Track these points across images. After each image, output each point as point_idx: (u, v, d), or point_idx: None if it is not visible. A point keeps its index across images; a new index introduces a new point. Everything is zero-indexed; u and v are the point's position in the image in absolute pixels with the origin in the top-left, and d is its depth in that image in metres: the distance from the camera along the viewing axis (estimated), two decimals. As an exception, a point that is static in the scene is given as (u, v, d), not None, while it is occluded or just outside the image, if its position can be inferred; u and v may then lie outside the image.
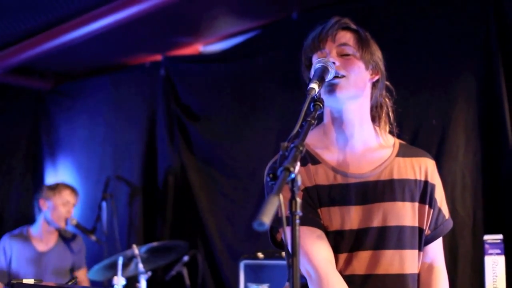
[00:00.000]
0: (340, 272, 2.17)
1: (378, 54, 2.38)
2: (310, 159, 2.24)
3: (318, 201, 2.19)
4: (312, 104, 1.98)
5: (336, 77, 2.17)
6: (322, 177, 2.22)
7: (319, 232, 2.16)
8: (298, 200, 1.64)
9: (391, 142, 2.38)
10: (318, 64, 2.11)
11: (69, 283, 2.56)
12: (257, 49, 5.40)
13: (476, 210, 4.09)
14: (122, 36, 5.70)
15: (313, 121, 1.90)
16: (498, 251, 3.38)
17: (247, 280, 4.37)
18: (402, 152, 2.34)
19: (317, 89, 1.99)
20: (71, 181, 6.16)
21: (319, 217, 2.19)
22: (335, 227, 2.18)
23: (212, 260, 5.53)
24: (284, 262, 4.22)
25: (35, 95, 7.22)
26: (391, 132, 2.44)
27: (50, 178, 6.94)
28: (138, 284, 4.74)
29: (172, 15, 5.25)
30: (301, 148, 1.71)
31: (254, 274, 4.34)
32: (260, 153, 5.22)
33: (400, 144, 2.39)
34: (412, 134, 4.29)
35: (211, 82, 5.78)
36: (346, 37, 2.29)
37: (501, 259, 3.37)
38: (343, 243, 2.18)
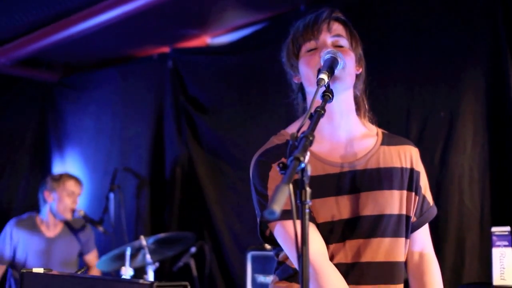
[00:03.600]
0: (331, 261, 2.17)
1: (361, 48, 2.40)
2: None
3: None
4: (321, 95, 1.98)
5: None
6: (310, 167, 2.21)
7: (311, 225, 2.14)
8: (308, 190, 1.65)
9: (374, 131, 2.39)
10: (327, 55, 2.11)
11: (79, 272, 2.57)
12: (265, 41, 5.39)
13: (483, 202, 4.09)
14: (130, 28, 5.70)
15: (322, 112, 1.90)
16: (506, 243, 3.38)
17: (254, 271, 4.38)
18: (386, 141, 2.35)
19: (326, 79, 1.99)
20: (78, 173, 6.17)
21: (310, 210, 2.18)
22: (325, 219, 2.17)
23: (220, 251, 5.54)
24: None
25: (42, 87, 7.24)
26: (372, 122, 2.46)
27: (58, 170, 6.94)
28: (145, 275, 4.76)
29: (180, 7, 5.25)
30: (310, 138, 1.72)
31: (261, 265, 4.35)
32: (268, 145, 5.21)
33: (383, 133, 2.40)
34: (420, 127, 4.29)
35: (219, 74, 5.79)
36: (340, 28, 2.30)
37: (509, 251, 3.37)
38: (333, 234, 2.18)
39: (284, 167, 1.64)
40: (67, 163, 7.00)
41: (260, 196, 2.23)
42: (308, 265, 1.63)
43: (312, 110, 1.91)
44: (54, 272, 2.53)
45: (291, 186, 1.52)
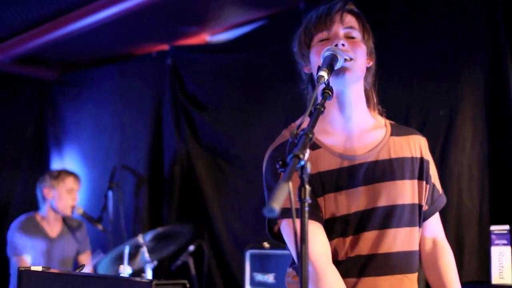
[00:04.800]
0: (346, 254, 2.19)
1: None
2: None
3: (322, 189, 2.20)
4: (321, 92, 1.98)
5: (345, 59, 2.17)
6: (324, 162, 2.22)
7: (317, 225, 2.16)
8: (308, 187, 1.64)
9: (382, 123, 2.41)
10: (327, 52, 2.10)
11: (77, 271, 2.56)
12: (264, 39, 5.39)
13: (482, 200, 4.09)
14: (129, 26, 5.69)
15: (322, 109, 1.89)
16: (505, 241, 3.38)
17: (253, 269, 4.37)
18: (395, 131, 2.37)
19: (326, 76, 1.98)
20: (77, 171, 6.15)
21: (319, 209, 2.19)
22: (342, 212, 2.19)
23: (218, 249, 5.54)
24: (289, 252, 4.22)
25: (41, 84, 7.22)
26: (381, 114, 2.47)
27: (57, 167, 6.93)
28: (144, 274, 4.75)
29: (179, 5, 5.24)
30: (310, 135, 1.72)
31: (260, 263, 4.34)
32: (267, 143, 5.17)
33: (391, 124, 2.42)
34: (419, 125, 4.28)
35: (218, 72, 5.78)
36: (352, 20, 2.31)
37: (507, 250, 3.37)
38: (349, 226, 2.19)
39: (283, 165, 1.63)
40: (66, 161, 6.99)
41: (269, 192, 2.27)
42: (307, 264, 1.63)
43: (313, 107, 1.90)
44: (53, 270, 2.52)
45: (290, 183, 1.51)
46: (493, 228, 3.42)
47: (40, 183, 5.33)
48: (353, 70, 2.21)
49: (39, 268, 2.45)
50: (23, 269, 2.44)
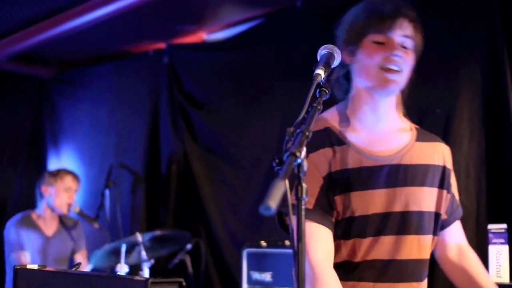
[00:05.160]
0: (362, 257, 2.18)
1: None
2: (335, 140, 2.22)
3: (343, 186, 2.18)
4: (318, 90, 1.97)
5: (394, 70, 2.18)
6: (348, 159, 2.20)
7: (325, 230, 2.15)
8: (304, 185, 1.64)
9: (408, 126, 2.39)
10: (324, 50, 2.09)
11: (73, 269, 2.55)
12: (261, 37, 5.39)
13: (480, 199, 4.08)
14: (126, 24, 5.68)
15: (319, 107, 1.88)
16: (502, 240, 3.37)
17: (249, 268, 4.37)
18: (420, 137, 2.35)
19: (323, 75, 1.97)
20: (74, 169, 6.15)
21: (331, 211, 2.17)
22: (361, 212, 2.17)
23: (215, 248, 5.53)
24: (287, 251, 4.22)
25: (38, 82, 7.21)
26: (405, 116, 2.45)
27: (53, 166, 6.92)
28: (141, 272, 4.75)
29: (176, 3, 5.24)
30: (307, 133, 1.71)
31: (257, 262, 4.34)
32: (264, 141, 5.21)
33: (417, 129, 2.40)
34: (416, 123, 4.27)
35: (215, 70, 5.77)
36: (410, 29, 2.26)
37: (505, 249, 3.36)
38: (367, 227, 2.18)
39: (280, 163, 1.63)
40: (63, 159, 6.98)
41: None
42: (303, 262, 1.63)
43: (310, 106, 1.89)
44: (48, 268, 2.52)
45: (287, 181, 1.51)
46: (490, 226, 3.42)
47: (39, 180, 5.34)
48: (399, 83, 2.22)
49: (35, 266, 2.44)
50: (18, 267, 2.43)
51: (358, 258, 2.19)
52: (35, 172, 7.03)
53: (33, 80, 7.17)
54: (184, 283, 1.98)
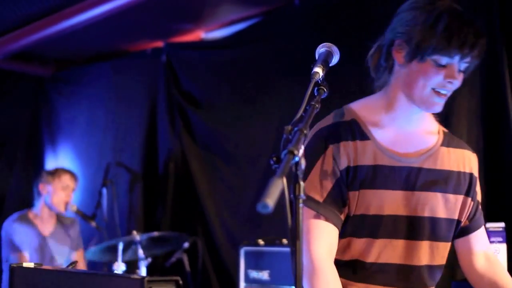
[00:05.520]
0: (375, 259, 2.16)
1: None
2: (359, 133, 2.18)
3: (358, 182, 2.14)
4: (316, 89, 1.96)
5: (443, 95, 2.12)
6: (368, 156, 2.16)
7: (329, 227, 2.12)
8: (302, 183, 1.63)
9: (436, 129, 2.32)
10: (322, 49, 2.07)
11: (69, 267, 2.55)
12: (259, 36, 5.38)
13: (478, 198, 4.08)
14: (124, 23, 5.67)
15: (317, 105, 1.87)
16: (500, 239, 3.38)
17: (247, 266, 4.36)
18: (446, 142, 2.30)
19: (321, 73, 1.96)
20: (71, 168, 6.14)
21: (340, 208, 2.14)
22: (374, 212, 2.14)
23: (213, 247, 5.53)
24: (284, 249, 4.22)
25: (35, 81, 7.20)
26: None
27: (51, 164, 6.92)
28: (138, 271, 4.74)
29: (174, 1, 5.24)
30: (305, 131, 1.70)
31: (254, 260, 4.33)
32: (262, 140, 5.21)
33: (444, 132, 2.34)
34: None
35: (213, 69, 5.77)
36: (475, 55, 2.10)
37: (503, 247, 3.37)
38: (380, 228, 2.15)
39: (277, 161, 1.62)
40: (60, 158, 6.98)
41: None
42: (301, 260, 1.62)
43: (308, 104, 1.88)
44: (45, 266, 2.51)
45: (284, 179, 1.50)
46: (488, 225, 3.41)
47: (37, 179, 5.35)
48: (442, 105, 2.17)
49: (31, 265, 2.44)
50: (15, 265, 2.43)
51: (369, 259, 2.16)
52: (32, 170, 7.03)
53: (30, 79, 7.16)
54: (180, 282, 1.97)
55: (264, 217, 5.05)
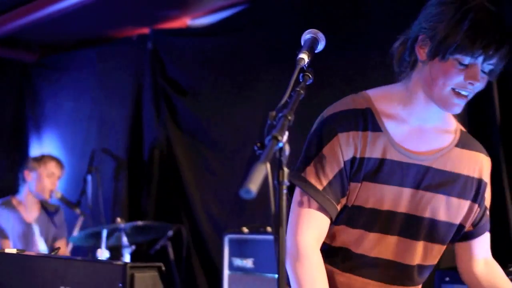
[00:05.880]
0: (366, 252, 2.13)
1: None
2: (371, 124, 2.11)
3: (361, 174, 2.10)
4: (301, 75, 1.94)
5: (464, 96, 2.02)
6: (377, 148, 2.10)
7: (324, 217, 2.08)
8: (286, 169, 1.62)
9: (453, 128, 2.23)
10: (308, 35, 2.05)
11: (52, 254, 2.54)
12: (245, 23, 5.37)
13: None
14: (109, 8, 5.65)
15: (302, 92, 1.85)
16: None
17: (231, 254, 4.37)
18: (462, 142, 2.20)
19: (306, 59, 1.94)
20: (56, 154, 6.12)
21: (337, 197, 2.09)
22: (373, 205, 2.11)
23: (197, 234, 5.53)
24: (268, 237, 4.22)
25: (20, 67, 7.17)
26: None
27: (35, 151, 6.90)
28: (122, 258, 4.74)
29: (160, -12, 5.22)
30: (289, 117, 1.67)
31: (238, 248, 4.34)
32: (247, 128, 5.20)
33: (461, 132, 2.24)
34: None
35: (199, 56, 5.76)
36: (500, 57, 2.00)
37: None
38: (376, 222, 2.12)
39: (261, 147, 1.61)
40: (45, 145, 6.95)
41: (305, 154, 2.13)
42: (284, 248, 1.61)
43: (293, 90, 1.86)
44: (28, 252, 2.50)
45: (268, 165, 1.49)
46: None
47: (22, 165, 5.32)
48: (462, 107, 2.07)
49: (13, 251, 2.43)
50: (-3, 252, 2.42)
51: (359, 250, 2.14)
52: (17, 157, 6.99)
53: (15, 65, 7.13)
54: (163, 268, 1.97)
55: (249, 205, 5.08)
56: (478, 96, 2.16)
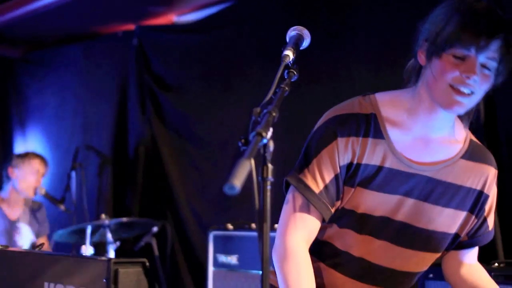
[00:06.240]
0: (352, 252, 2.12)
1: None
2: (374, 130, 2.07)
3: (357, 180, 2.08)
4: (286, 71, 1.94)
5: (464, 93, 1.95)
6: (376, 155, 2.07)
7: (316, 219, 2.07)
8: (270, 165, 1.62)
9: (462, 137, 2.17)
10: (293, 32, 2.05)
11: (36, 250, 2.54)
12: (231, 20, 5.38)
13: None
14: (95, 4, 5.64)
15: (286, 88, 1.85)
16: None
17: (216, 251, 4.37)
18: (469, 154, 2.15)
19: (291, 56, 1.95)
20: (40, 151, 6.11)
21: (332, 199, 2.07)
22: (364, 211, 2.09)
23: (182, 231, 5.53)
24: (253, 233, 4.23)
25: (4, 63, 7.14)
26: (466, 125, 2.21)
27: (20, 147, 6.88)
28: (106, 254, 4.74)
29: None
30: (274, 114, 1.68)
31: (223, 245, 4.34)
32: (232, 124, 5.21)
33: (471, 142, 2.19)
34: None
35: (184, 53, 5.76)
36: (500, 50, 1.95)
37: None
38: (367, 226, 2.10)
39: (246, 143, 1.61)
40: (29, 141, 6.92)
41: (305, 154, 2.11)
42: (268, 244, 1.61)
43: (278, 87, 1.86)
44: (12, 248, 2.50)
45: (252, 161, 1.49)
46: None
47: (7, 162, 5.31)
48: (465, 106, 1.99)
49: (-3, 246, 2.42)
50: (-19, 247, 2.41)
51: (346, 249, 2.13)
52: (1, 154, 6.97)
53: (-1, 60, 7.10)
54: (147, 263, 1.97)
55: (233, 202, 5.09)
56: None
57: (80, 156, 5.93)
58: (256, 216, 1.61)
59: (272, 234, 1.70)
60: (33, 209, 5.35)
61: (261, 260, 1.59)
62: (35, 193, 5.26)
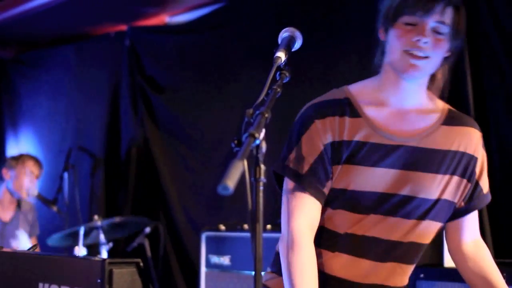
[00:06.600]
0: (350, 231, 2.14)
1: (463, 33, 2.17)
2: (349, 111, 2.14)
3: (342, 157, 2.11)
4: (278, 73, 1.96)
5: (419, 56, 2.05)
6: (356, 132, 2.12)
7: (310, 200, 2.10)
8: (263, 166, 1.64)
9: (439, 107, 2.24)
10: (285, 33, 2.07)
11: (30, 251, 2.54)
12: (223, 21, 5.38)
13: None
14: (87, 5, 5.64)
15: (278, 90, 1.87)
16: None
17: (208, 251, 4.38)
18: (448, 120, 2.21)
19: (283, 58, 1.96)
20: (33, 152, 6.10)
21: (323, 182, 2.11)
22: (354, 187, 2.12)
23: (174, 232, 5.54)
24: (245, 234, 4.24)
25: (-4, 63, 7.13)
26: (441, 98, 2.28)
27: (12, 148, 6.87)
28: (99, 255, 4.74)
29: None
30: (266, 115, 1.69)
31: (215, 246, 4.35)
32: (224, 125, 5.22)
33: (449, 110, 2.25)
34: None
35: (177, 54, 5.76)
36: (450, 14, 2.08)
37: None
38: (359, 203, 2.12)
39: (238, 144, 1.62)
40: (21, 142, 6.91)
41: (288, 144, 2.16)
42: (261, 245, 1.62)
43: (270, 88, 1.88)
44: (5, 249, 2.50)
45: (245, 162, 1.51)
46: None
47: (1, 164, 5.31)
48: (423, 69, 2.09)
49: (-10, 248, 2.42)
50: (-26, 249, 2.41)
51: (343, 230, 2.15)
52: (-8, 155, 6.96)
53: (-9, 61, 7.09)
54: (141, 264, 1.98)
55: (226, 202, 5.10)
56: (451, 80, 2.20)
57: (73, 157, 5.92)
58: (248, 216, 1.62)
59: (264, 235, 1.72)
60: (25, 210, 5.35)
61: (254, 260, 1.61)
62: (28, 194, 5.26)
